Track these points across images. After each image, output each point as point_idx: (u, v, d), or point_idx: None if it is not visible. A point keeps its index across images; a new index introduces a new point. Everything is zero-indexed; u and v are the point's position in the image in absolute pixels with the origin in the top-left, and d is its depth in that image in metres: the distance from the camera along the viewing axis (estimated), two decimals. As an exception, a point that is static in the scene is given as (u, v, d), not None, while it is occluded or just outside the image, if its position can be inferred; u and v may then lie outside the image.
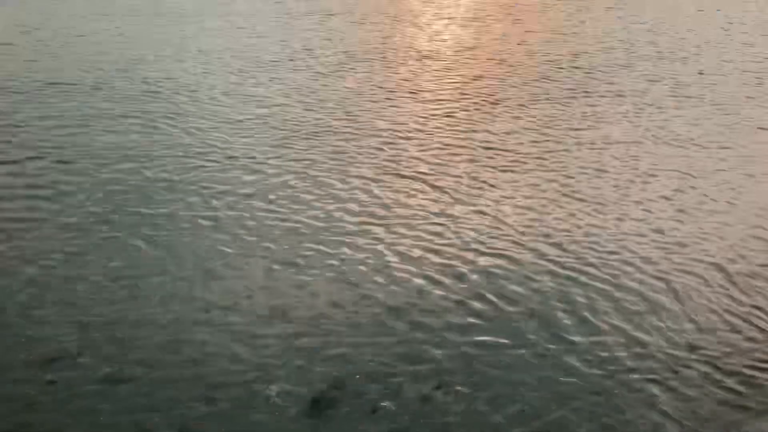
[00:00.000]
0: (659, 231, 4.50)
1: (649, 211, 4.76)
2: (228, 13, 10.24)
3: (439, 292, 3.75)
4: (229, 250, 4.03)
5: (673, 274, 4.02)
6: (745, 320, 3.63)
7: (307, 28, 9.65)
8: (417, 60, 8.32)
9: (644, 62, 8.54)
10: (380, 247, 4.15)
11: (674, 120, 6.58)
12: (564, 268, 4.03)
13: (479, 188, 5.00)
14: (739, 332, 3.54)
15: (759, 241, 4.44)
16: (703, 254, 4.24)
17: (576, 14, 11.42)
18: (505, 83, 7.46)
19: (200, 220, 4.35)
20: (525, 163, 5.47)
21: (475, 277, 3.90)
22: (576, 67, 8.15)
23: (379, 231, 4.34)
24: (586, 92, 7.28)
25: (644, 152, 5.79)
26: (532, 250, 4.20)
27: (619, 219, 4.64)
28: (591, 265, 4.07)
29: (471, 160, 5.47)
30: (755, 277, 4.04)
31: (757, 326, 3.58)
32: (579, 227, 4.51)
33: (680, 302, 3.76)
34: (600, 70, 8.09)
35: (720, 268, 4.10)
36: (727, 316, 3.65)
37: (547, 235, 4.38)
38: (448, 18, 10.76)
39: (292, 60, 8.00)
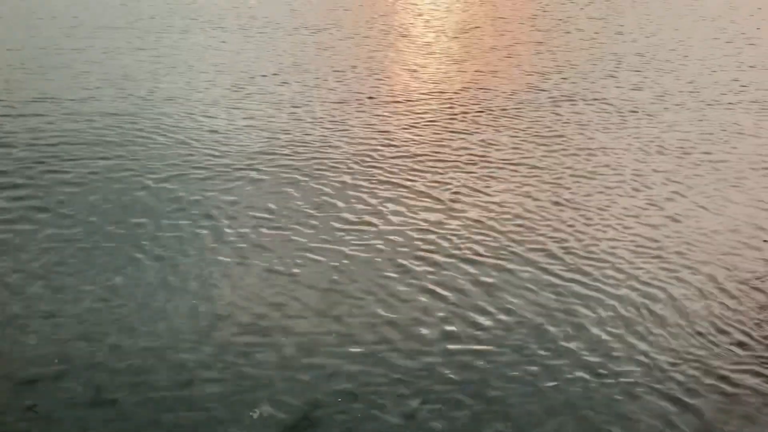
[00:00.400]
0: (646, 237, 4.53)
1: (637, 218, 4.80)
2: (217, 28, 10.30)
3: (423, 305, 3.76)
4: (215, 268, 4.03)
5: (662, 281, 4.04)
6: (735, 327, 3.65)
7: (298, 42, 9.71)
8: (406, 71, 8.36)
9: (629, 71, 8.59)
10: (367, 259, 4.16)
11: (659, 127, 6.63)
12: (552, 276, 4.05)
13: (467, 196, 5.02)
14: (731, 338, 3.56)
15: (744, 246, 4.47)
16: (691, 260, 4.27)
17: (562, 25, 11.51)
18: (494, 93, 7.50)
19: (187, 236, 4.34)
20: (512, 171, 5.50)
21: (461, 289, 3.91)
22: (563, 78, 8.20)
23: (368, 242, 4.35)
24: (572, 101, 7.33)
25: (630, 159, 5.83)
26: (519, 259, 4.22)
27: (606, 226, 4.67)
28: (579, 272, 4.09)
29: (459, 169, 5.49)
30: (743, 281, 4.07)
31: (747, 332, 3.61)
32: (566, 235, 4.53)
33: (670, 309, 3.78)
34: (586, 79, 8.14)
35: (708, 274, 4.13)
36: (718, 323, 3.68)
37: (534, 244, 4.40)
38: (438, 31, 10.83)
39: (280, 73, 8.04)
